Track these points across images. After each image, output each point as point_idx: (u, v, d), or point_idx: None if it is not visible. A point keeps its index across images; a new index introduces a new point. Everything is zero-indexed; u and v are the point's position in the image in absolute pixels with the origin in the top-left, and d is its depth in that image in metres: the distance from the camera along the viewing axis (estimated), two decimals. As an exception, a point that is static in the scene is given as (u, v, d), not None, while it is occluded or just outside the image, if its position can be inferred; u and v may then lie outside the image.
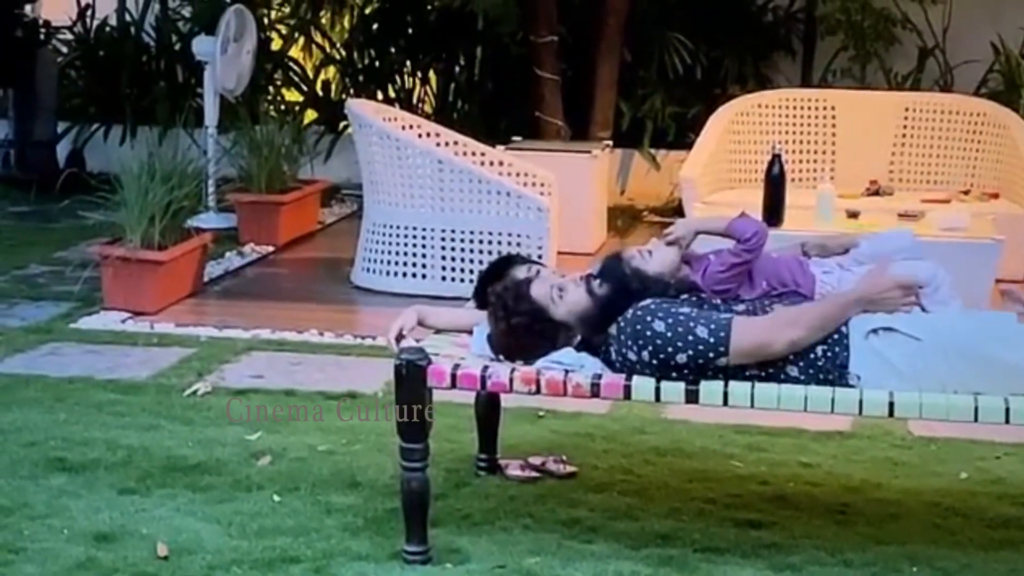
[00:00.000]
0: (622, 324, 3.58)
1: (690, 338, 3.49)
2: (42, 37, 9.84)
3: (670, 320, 3.51)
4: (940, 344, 3.51)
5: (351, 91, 9.92)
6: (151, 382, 5.22)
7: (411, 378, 3.59)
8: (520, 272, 3.90)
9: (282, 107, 9.90)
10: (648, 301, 3.61)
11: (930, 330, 3.55)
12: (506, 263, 4.04)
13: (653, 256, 3.87)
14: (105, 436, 4.57)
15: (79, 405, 4.91)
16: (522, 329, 3.69)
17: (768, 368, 3.54)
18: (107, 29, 10.04)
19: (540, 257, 5.82)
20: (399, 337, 3.90)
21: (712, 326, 3.50)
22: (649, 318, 3.53)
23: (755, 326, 3.53)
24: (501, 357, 3.71)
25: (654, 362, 3.51)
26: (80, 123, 9.78)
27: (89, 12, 10.06)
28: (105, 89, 9.83)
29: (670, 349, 3.49)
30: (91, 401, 4.96)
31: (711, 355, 3.48)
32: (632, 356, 3.54)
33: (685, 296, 3.70)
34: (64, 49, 10.06)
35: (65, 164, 9.21)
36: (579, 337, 3.69)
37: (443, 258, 6.62)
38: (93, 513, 3.95)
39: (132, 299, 6.16)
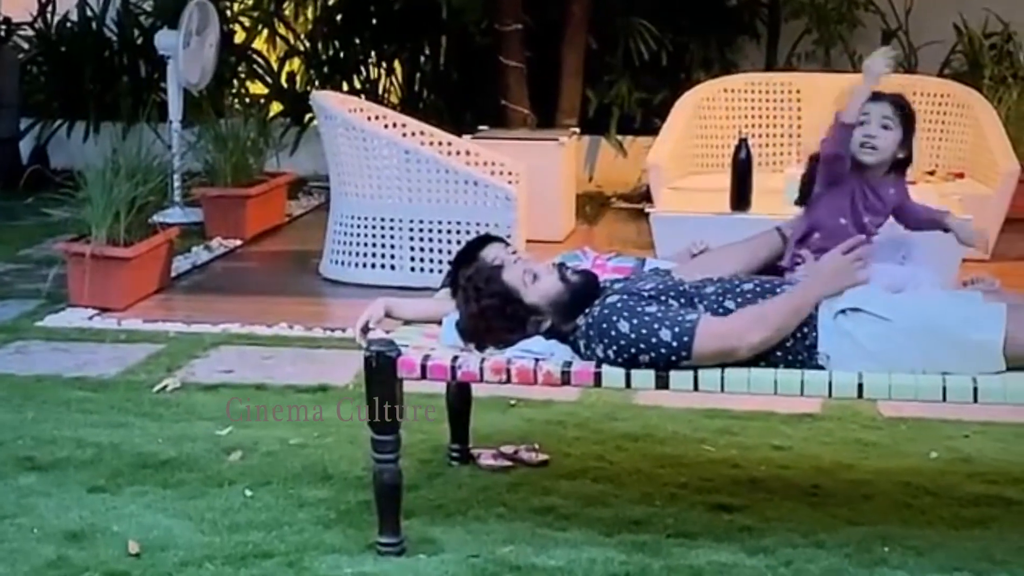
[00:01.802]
0: (589, 320, 3.58)
1: (653, 340, 3.48)
2: (3, 34, 9.77)
3: (635, 321, 3.51)
4: (908, 324, 3.53)
5: (316, 83, 9.90)
6: (120, 379, 5.19)
7: (381, 370, 3.58)
8: (492, 254, 3.89)
9: (247, 100, 9.86)
10: (615, 298, 3.60)
11: (898, 310, 3.56)
12: (481, 243, 4.03)
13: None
14: (74, 434, 4.54)
15: (47, 403, 4.88)
16: (492, 311, 3.67)
17: None
18: (68, 25, 9.98)
19: (508, 246, 5.81)
20: (365, 329, 3.88)
21: (676, 328, 3.49)
22: (615, 317, 3.53)
23: (721, 329, 3.51)
24: (471, 344, 3.70)
25: (619, 360, 3.52)
26: (43, 120, 9.72)
27: (50, 8, 9.99)
28: (68, 85, 9.77)
29: (633, 350, 3.50)
30: (59, 399, 4.93)
31: (673, 358, 3.49)
32: (599, 353, 3.54)
33: (652, 285, 3.70)
34: (25, 45, 9.99)
35: (29, 161, 9.14)
36: (548, 323, 3.68)
37: (412, 249, 6.61)
38: (63, 512, 3.93)
39: (99, 296, 6.13)
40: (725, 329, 3.52)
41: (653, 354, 3.49)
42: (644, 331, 3.49)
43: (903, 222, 4.10)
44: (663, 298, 3.61)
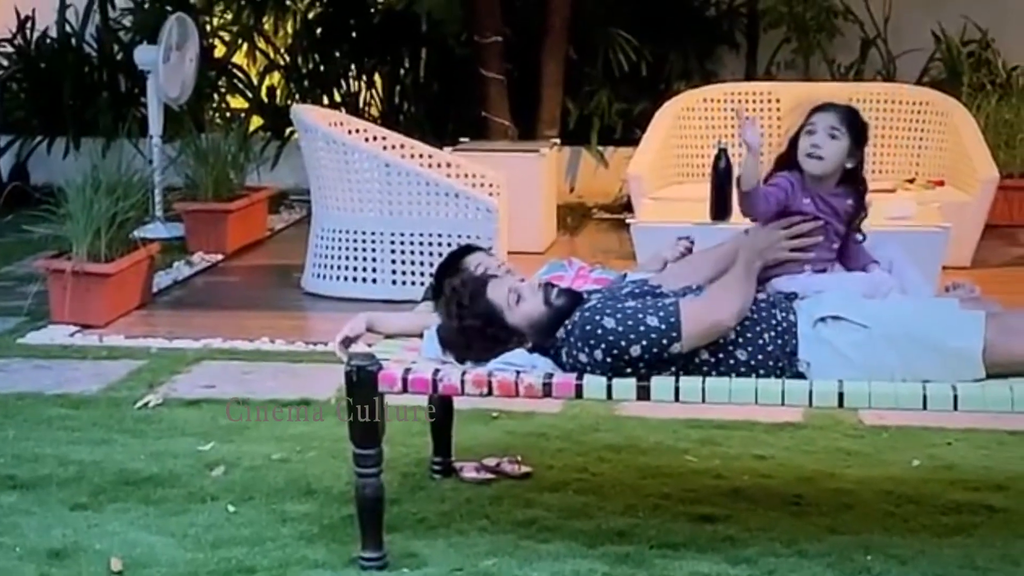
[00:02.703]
0: (570, 327, 3.57)
1: (641, 329, 3.49)
2: (-19, 51, 9.76)
3: (619, 315, 3.52)
4: (887, 332, 3.54)
5: (296, 97, 9.90)
6: (101, 395, 5.18)
7: (362, 383, 3.58)
8: (476, 262, 3.88)
9: (227, 114, 9.85)
10: (594, 301, 3.61)
11: (877, 318, 3.58)
12: (464, 252, 4.03)
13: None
14: (56, 452, 4.53)
15: (28, 421, 4.87)
16: (473, 331, 3.67)
17: (718, 354, 3.55)
18: (48, 41, 9.96)
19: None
20: (346, 343, 3.88)
21: (661, 313, 3.51)
22: (598, 317, 3.53)
23: (699, 307, 3.54)
24: (451, 354, 3.70)
25: (608, 360, 3.50)
26: (23, 136, 9.70)
27: (29, 24, 9.97)
28: (47, 101, 9.75)
29: (623, 343, 3.49)
30: (41, 417, 4.92)
31: (664, 342, 3.49)
32: (584, 358, 3.54)
33: (629, 289, 3.71)
34: (4, 62, 9.96)
35: (9, 178, 9.14)
36: (529, 344, 3.68)
37: (393, 262, 6.61)
38: (45, 530, 3.91)
39: (80, 312, 6.11)
40: (702, 306, 3.55)
41: (644, 342, 3.48)
42: (630, 322, 3.49)
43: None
44: (640, 300, 3.63)
